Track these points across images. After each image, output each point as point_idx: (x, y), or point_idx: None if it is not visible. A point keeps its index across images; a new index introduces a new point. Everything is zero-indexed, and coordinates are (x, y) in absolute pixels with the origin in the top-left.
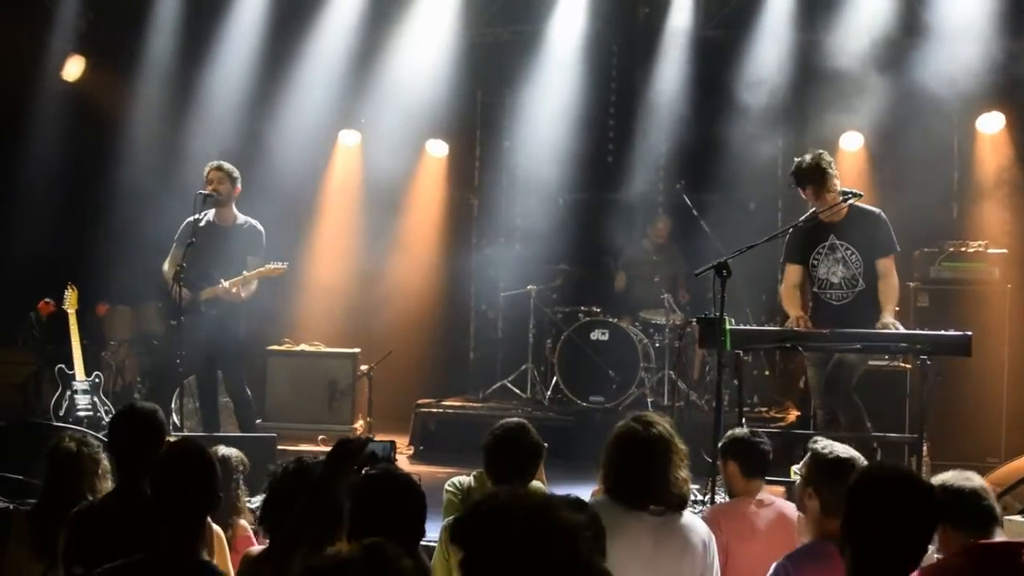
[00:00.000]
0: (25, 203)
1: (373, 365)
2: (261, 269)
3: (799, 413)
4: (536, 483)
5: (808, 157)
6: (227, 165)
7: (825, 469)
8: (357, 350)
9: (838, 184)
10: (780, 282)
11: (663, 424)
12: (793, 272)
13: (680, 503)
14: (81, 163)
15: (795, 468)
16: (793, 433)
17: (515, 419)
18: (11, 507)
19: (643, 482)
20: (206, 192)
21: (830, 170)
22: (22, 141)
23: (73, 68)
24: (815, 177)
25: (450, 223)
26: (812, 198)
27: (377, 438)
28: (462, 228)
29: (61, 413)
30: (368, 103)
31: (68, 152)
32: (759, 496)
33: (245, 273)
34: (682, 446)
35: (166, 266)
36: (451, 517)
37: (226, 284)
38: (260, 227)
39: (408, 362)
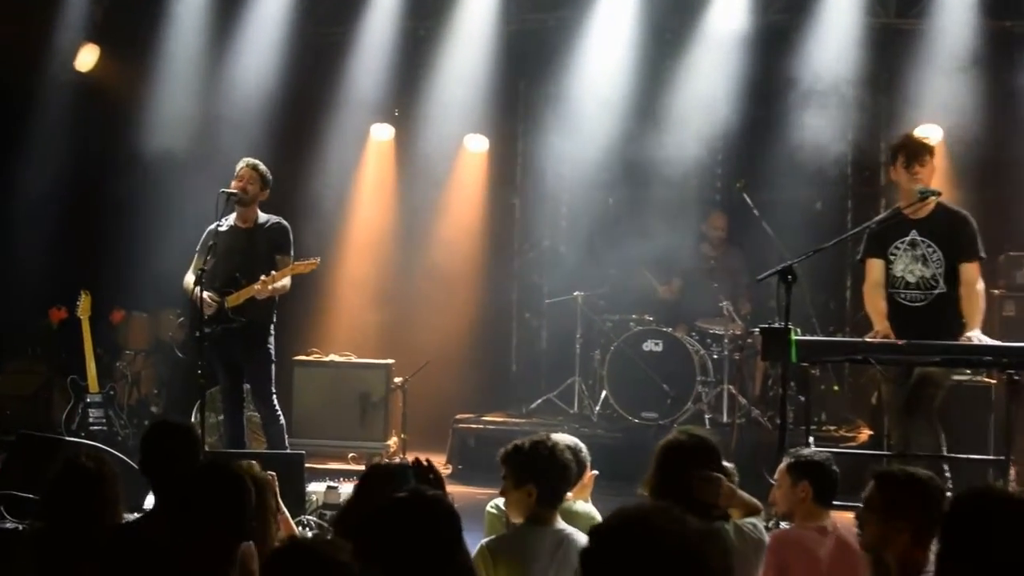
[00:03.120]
0: (35, 202)
1: (408, 377)
2: (293, 264)
3: (871, 432)
4: (582, 504)
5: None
6: (262, 166)
7: (904, 494)
8: (391, 361)
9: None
10: (848, 288)
11: (706, 435)
12: (875, 268)
13: (722, 514)
14: (95, 160)
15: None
16: (864, 454)
17: (544, 433)
18: (20, 527)
19: (681, 488)
20: (230, 190)
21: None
22: (32, 136)
23: (86, 58)
24: (918, 151)
25: (490, 224)
26: (904, 176)
27: (411, 457)
28: (503, 229)
29: (73, 427)
30: (402, 94)
31: (81, 148)
32: (822, 523)
33: (274, 272)
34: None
35: (188, 277)
36: (489, 537)
37: (257, 286)
38: (285, 223)
39: (446, 374)
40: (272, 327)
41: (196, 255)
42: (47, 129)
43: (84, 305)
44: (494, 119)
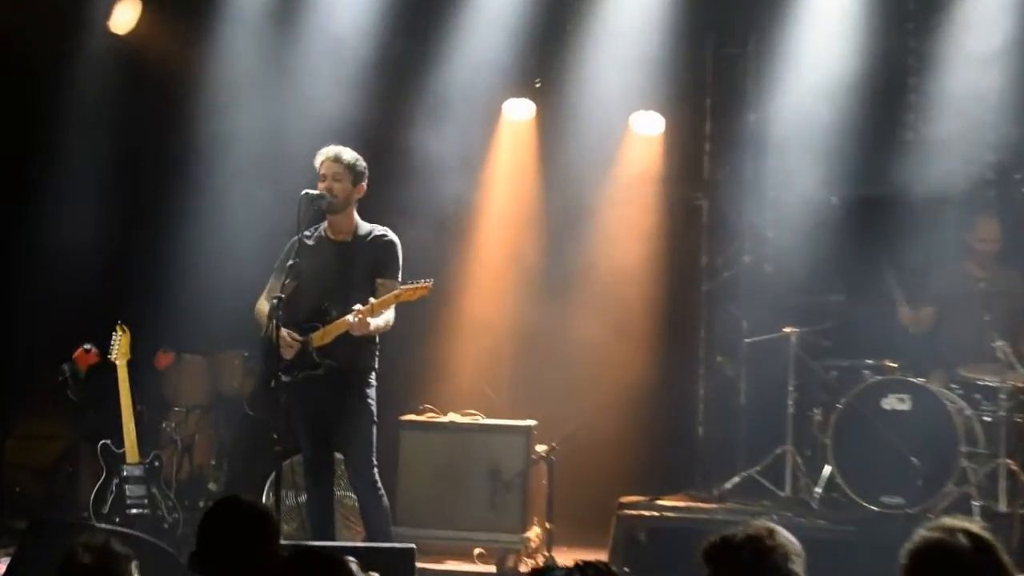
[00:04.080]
0: (58, 210)
1: (554, 445)
2: (397, 291)
3: None
4: None
5: None
6: (348, 153)
7: None
8: (531, 423)
9: None
10: None
11: (980, 531)
12: None
13: None
14: (135, 155)
15: None
16: None
17: (762, 523)
18: None
19: None
20: (315, 192)
21: None
22: (55, 124)
23: (124, 15)
24: None
25: (668, 233)
26: None
27: (564, 557)
28: (686, 241)
29: (105, 509)
30: (546, 60)
31: (117, 139)
32: None
33: (372, 300)
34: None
35: (260, 306)
36: None
37: (351, 318)
38: (393, 236)
39: (605, 441)
40: (373, 375)
41: (272, 276)
42: (72, 116)
43: (121, 346)
44: (673, 92)
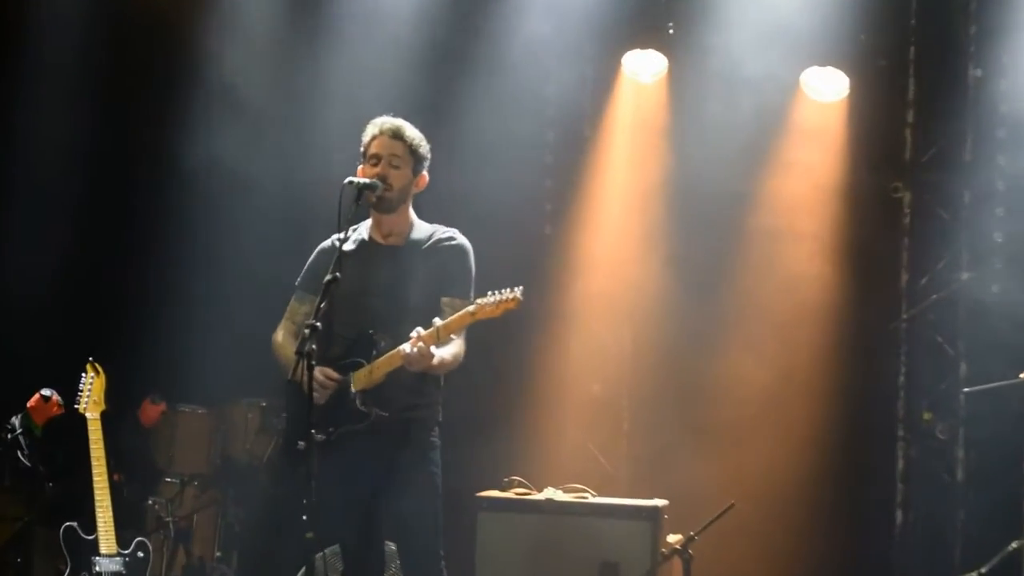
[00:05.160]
0: (19, 206)
1: (693, 535)
2: (472, 307)
3: None
4: None
5: None
6: (411, 129)
7: None
8: (660, 503)
9: None
10: None
11: None
12: None
13: None
14: (118, 145)
15: None
16: None
17: None
18: None
19: None
20: (363, 180)
21: None
22: (19, 101)
23: None
24: None
25: (853, 239)
26: None
27: None
28: (879, 249)
29: None
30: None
31: (97, 127)
32: None
33: (437, 322)
34: None
35: (281, 335)
36: None
37: (407, 347)
38: (462, 241)
39: (764, 529)
40: (437, 431)
41: (295, 296)
42: (42, 90)
43: (93, 392)
44: (862, 39)
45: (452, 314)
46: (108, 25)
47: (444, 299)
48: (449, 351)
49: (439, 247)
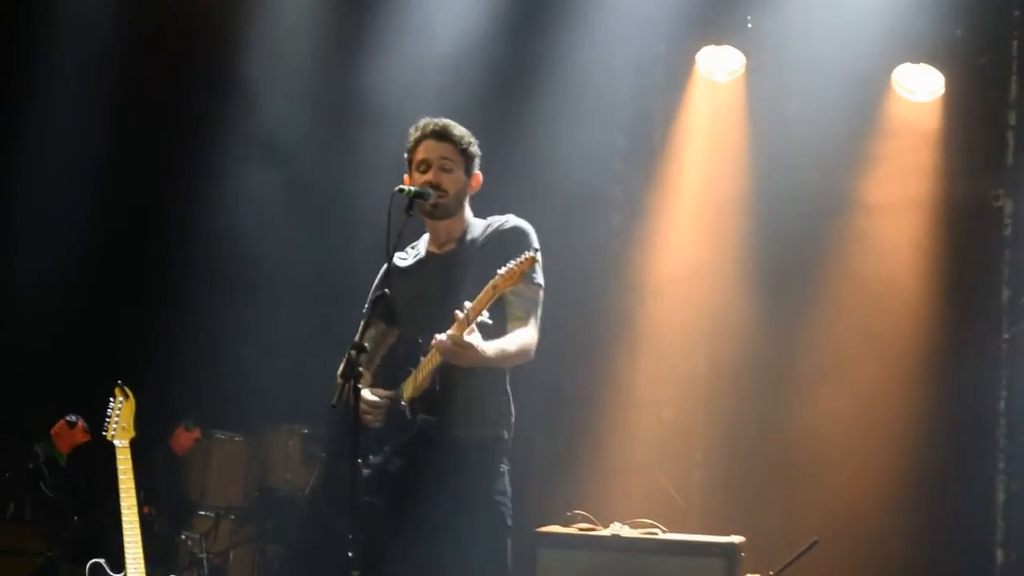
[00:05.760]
0: (46, 221)
1: (774, 574)
2: (494, 279)
3: None
4: None
5: None
6: (456, 127)
7: None
8: (737, 539)
9: None
10: None
11: None
12: None
13: None
14: (144, 145)
15: None
16: None
17: None
18: None
19: None
20: (414, 188)
21: None
22: (32, 95)
23: None
24: None
25: (949, 252)
26: None
27: None
28: (977, 263)
29: None
30: None
31: (129, 131)
32: None
33: (465, 304)
34: None
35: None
36: None
37: (442, 336)
38: (519, 222)
39: (855, 567)
40: (504, 461)
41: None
42: (58, 85)
43: (122, 418)
44: (959, 33)
45: (519, 301)
46: (133, 28)
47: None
48: (506, 341)
49: (495, 235)
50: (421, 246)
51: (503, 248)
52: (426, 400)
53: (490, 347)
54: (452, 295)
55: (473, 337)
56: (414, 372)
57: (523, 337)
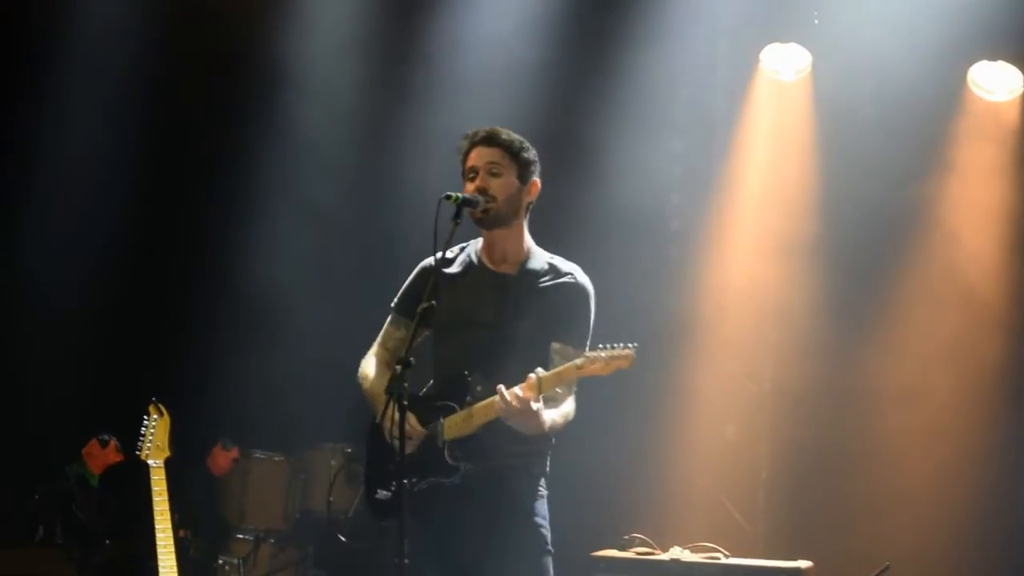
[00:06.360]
0: (78, 232)
1: None
2: (580, 360)
3: None
4: None
5: None
6: (505, 132)
7: None
8: (804, 564)
9: None
10: None
11: None
12: None
13: None
14: (190, 161)
15: None
16: None
17: None
18: None
19: None
20: (461, 195)
21: None
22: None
23: None
24: None
25: None
26: None
27: None
28: None
29: None
30: None
31: (164, 142)
32: None
33: (540, 372)
34: None
35: (368, 365)
36: None
37: (504, 398)
38: (584, 280)
39: None
40: (543, 483)
41: (390, 320)
42: (84, 91)
43: (156, 437)
44: None
45: (561, 363)
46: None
47: (555, 344)
48: (560, 411)
49: (556, 284)
50: (471, 251)
51: (560, 303)
52: (469, 444)
53: (548, 420)
54: (507, 326)
55: (540, 407)
56: (461, 413)
57: (569, 408)
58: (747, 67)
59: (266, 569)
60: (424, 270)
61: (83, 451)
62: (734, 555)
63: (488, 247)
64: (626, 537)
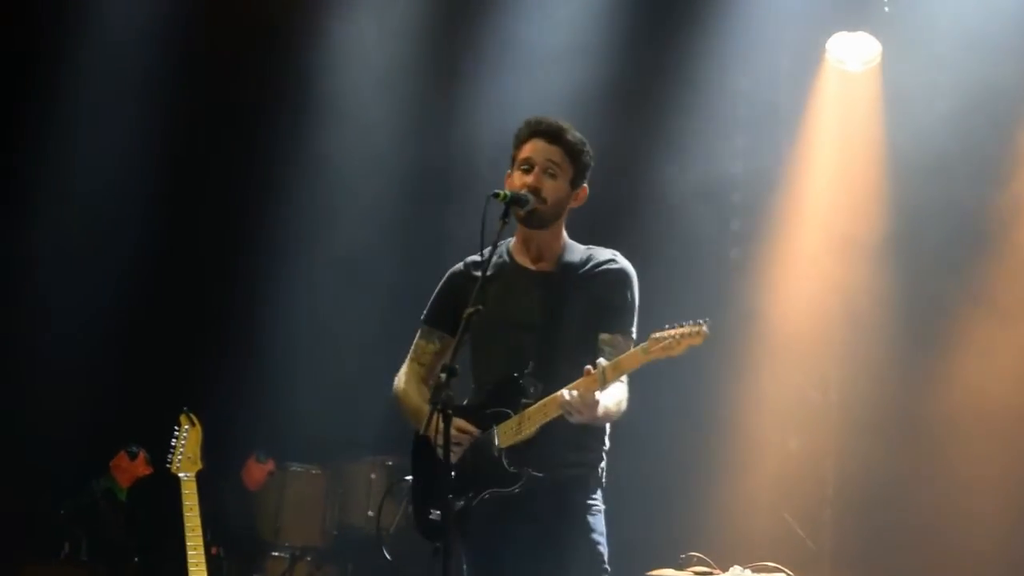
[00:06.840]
0: (109, 239)
1: None
2: (646, 344)
3: None
4: None
5: None
6: (572, 131)
7: None
8: None
9: None
10: None
11: None
12: None
13: None
14: (227, 168)
15: None
16: None
17: None
18: None
19: None
20: (510, 193)
21: None
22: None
23: None
24: None
25: None
26: None
27: None
28: None
29: None
30: None
31: (200, 151)
32: None
33: (602, 362)
34: None
35: (403, 383)
36: None
37: (567, 394)
38: (624, 264)
39: None
40: (600, 495)
41: (420, 332)
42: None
43: (188, 448)
44: None
45: (614, 353)
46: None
47: (603, 336)
48: (612, 398)
49: (597, 273)
50: (503, 251)
51: (603, 292)
52: (527, 451)
53: (602, 407)
54: (553, 325)
55: (599, 396)
56: (516, 417)
57: (621, 394)
58: (812, 57)
59: None
60: (453, 275)
61: (110, 463)
62: (798, 575)
63: (524, 245)
64: (683, 556)
